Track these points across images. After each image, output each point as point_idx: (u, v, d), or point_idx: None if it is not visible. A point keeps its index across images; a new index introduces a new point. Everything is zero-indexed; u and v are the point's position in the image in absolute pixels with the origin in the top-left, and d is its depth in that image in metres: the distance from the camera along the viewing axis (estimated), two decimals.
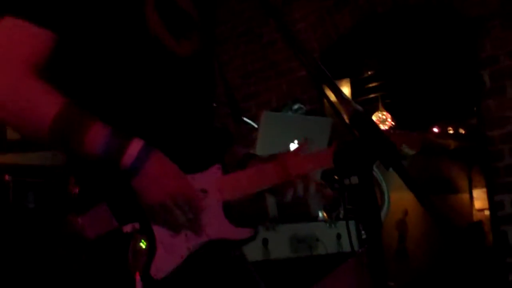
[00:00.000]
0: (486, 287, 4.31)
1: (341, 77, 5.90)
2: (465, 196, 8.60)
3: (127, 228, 1.37)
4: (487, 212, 5.95)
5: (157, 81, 1.48)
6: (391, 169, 1.34)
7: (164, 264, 1.39)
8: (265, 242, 2.79)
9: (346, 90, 5.82)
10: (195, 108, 1.57)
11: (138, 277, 1.35)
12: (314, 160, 1.60)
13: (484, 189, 5.35)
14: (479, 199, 8.43)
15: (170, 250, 1.41)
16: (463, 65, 5.03)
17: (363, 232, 2.89)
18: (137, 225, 1.38)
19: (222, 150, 1.64)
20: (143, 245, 1.38)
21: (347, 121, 1.36)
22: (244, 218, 1.58)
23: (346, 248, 3.03)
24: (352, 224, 3.01)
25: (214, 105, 1.73)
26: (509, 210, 4.16)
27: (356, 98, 6.27)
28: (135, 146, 1.35)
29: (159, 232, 1.41)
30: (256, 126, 3.25)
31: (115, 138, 1.34)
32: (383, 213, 3.31)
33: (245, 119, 3.46)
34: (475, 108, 4.47)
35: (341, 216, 3.27)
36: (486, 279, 4.18)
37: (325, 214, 3.25)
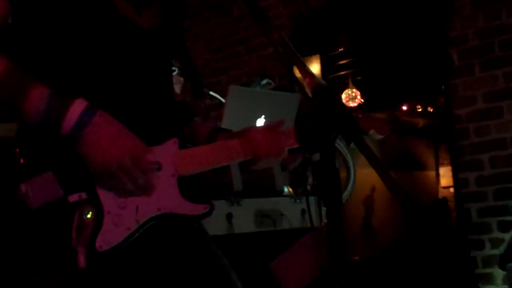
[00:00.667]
0: (448, 263, 4.39)
1: (312, 53, 5.89)
2: (432, 173, 8.72)
3: (73, 198, 1.33)
4: (452, 190, 6.03)
5: (114, 50, 1.44)
6: (352, 144, 1.34)
7: (110, 236, 1.35)
8: (229, 216, 2.79)
9: (316, 66, 5.81)
10: (153, 80, 1.53)
11: (81, 250, 1.31)
12: (280, 140, 1.60)
13: (450, 167, 5.42)
14: (445, 176, 8.56)
15: (117, 222, 1.37)
16: (432, 44, 5.06)
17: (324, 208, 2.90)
18: (83, 195, 1.34)
19: (180, 124, 1.61)
20: (89, 215, 1.34)
21: (309, 95, 1.35)
22: (207, 192, 1.56)
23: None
24: (314, 200, 3.01)
25: (182, 79, 1.71)
26: (472, 188, 4.22)
27: (326, 75, 6.27)
28: (77, 108, 1.30)
29: (107, 202, 1.37)
30: (223, 100, 3.23)
31: (56, 99, 1.30)
32: (348, 189, 3.33)
33: (212, 93, 3.43)
34: (443, 87, 4.50)
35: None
36: (448, 254, 4.25)
37: (290, 189, 3.26)
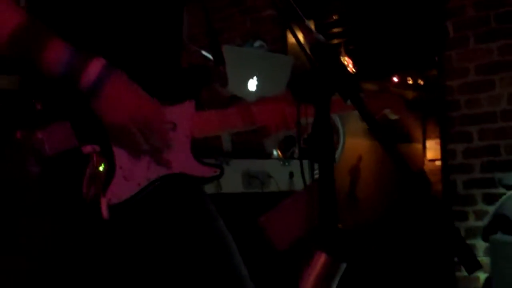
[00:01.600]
0: (432, 232, 4.43)
1: (306, 18, 5.83)
2: (418, 146, 8.74)
3: (87, 149, 1.34)
4: (438, 163, 6.07)
5: (126, 6, 1.44)
6: (349, 101, 1.32)
7: (120, 190, 1.36)
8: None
9: None
10: (170, 39, 1.54)
11: (103, 201, 1.33)
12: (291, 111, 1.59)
13: (437, 140, 5.43)
14: (431, 149, 8.59)
15: (128, 177, 1.38)
16: (428, 15, 5.02)
17: (316, 171, 2.90)
18: (97, 147, 1.35)
19: (198, 86, 1.60)
20: (101, 168, 1.35)
21: (308, 51, 1.34)
22: (197, 150, 1.56)
23: (298, 186, 3.05)
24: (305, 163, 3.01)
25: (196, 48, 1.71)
26: (460, 160, 4.24)
27: None
28: (96, 65, 1.30)
29: (120, 157, 1.38)
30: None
31: (76, 55, 1.30)
32: (337, 153, 3.33)
33: (204, 53, 3.38)
34: (436, 58, 4.48)
35: (295, 155, 3.28)
36: (433, 225, 4.28)
37: (279, 152, 3.26)
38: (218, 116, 1.55)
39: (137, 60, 1.45)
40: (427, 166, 8.53)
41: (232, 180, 2.86)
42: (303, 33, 1.37)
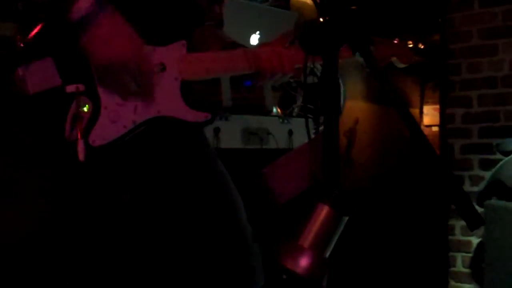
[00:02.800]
0: (427, 196, 4.45)
1: None
2: (416, 111, 8.74)
3: (71, 88, 1.30)
4: (435, 129, 6.07)
5: None
6: (358, 54, 1.30)
7: (105, 131, 1.34)
8: (216, 131, 2.77)
9: None
10: None
11: (80, 143, 1.29)
12: (289, 55, 1.55)
13: (435, 106, 5.42)
14: (429, 115, 8.59)
15: (114, 119, 1.35)
16: None
17: (315, 128, 2.90)
18: (81, 87, 1.31)
19: (190, 27, 1.56)
20: (85, 108, 1.31)
21: (318, 0, 1.31)
22: (197, 103, 1.53)
23: (297, 144, 3.05)
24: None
25: None
26: (458, 124, 4.23)
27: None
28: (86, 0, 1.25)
29: (105, 97, 1.34)
30: None
31: None
32: None
33: None
34: (439, 20, 4.43)
35: (294, 113, 3.27)
36: (428, 188, 4.30)
37: (279, 110, 3.24)
38: (210, 58, 1.51)
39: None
40: (424, 131, 8.54)
41: (231, 135, 2.85)
42: None
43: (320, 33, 1.28)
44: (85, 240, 1.44)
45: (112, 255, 1.50)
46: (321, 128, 1.34)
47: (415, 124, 1.20)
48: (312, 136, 1.44)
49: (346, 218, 1.25)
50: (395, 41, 1.63)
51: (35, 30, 1.29)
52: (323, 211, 1.23)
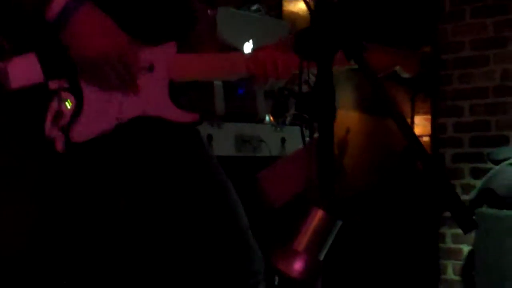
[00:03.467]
0: (418, 204, 4.46)
1: None
2: (407, 121, 8.78)
3: (54, 85, 1.29)
4: (425, 139, 6.09)
5: None
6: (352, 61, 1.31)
7: (87, 128, 1.32)
8: (209, 138, 2.77)
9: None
10: None
11: (59, 135, 1.29)
12: (287, 60, 1.53)
13: (426, 116, 5.44)
14: (420, 125, 8.63)
15: (97, 115, 1.34)
16: None
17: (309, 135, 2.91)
18: (64, 83, 1.30)
19: (182, 29, 1.56)
20: (68, 105, 1.30)
21: (312, 7, 1.32)
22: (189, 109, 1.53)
23: (290, 152, 3.05)
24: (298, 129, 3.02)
25: None
26: (450, 133, 4.25)
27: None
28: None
29: (89, 94, 1.33)
30: None
31: None
32: None
33: None
34: (431, 33, 4.46)
35: (287, 122, 3.28)
36: (419, 196, 4.32)
37: (271, 118, 3.25)
38: (202, 60, 1.50)
39: None
40: None
41: (224, 143, 2.85)
42: None
43: (315, 39, 1.29)
44: (76, 241, 1.44)
45: (106, 259, 1.50)
46: (315, 134, 1.35)
47: (411, 131, 1.22)
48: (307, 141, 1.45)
49: (340, 222, 1.26)
50: (401, 50, 1.60)
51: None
52: (318, 215, 1.24)
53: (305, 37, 1.34)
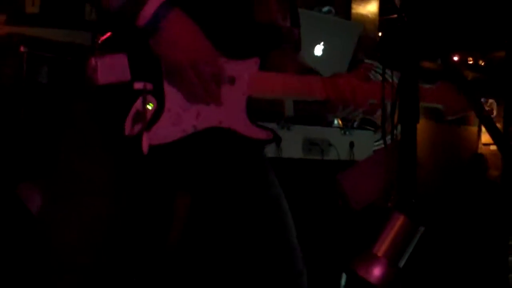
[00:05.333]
0: (487, 215, 4.35)
1: None
2: (473, 128, 8.59)
3: (139, 85, 1.32)
4: (493, 147, 5.94)
5: None
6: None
7: (164, 132, 1.34)
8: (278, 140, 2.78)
9: (374, 5, 5.65)
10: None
11: (145, 136, 1.32)
12: (366, 90, 1.51)
13: (497, 124, 5.32)
14: (487, 133, 8.42)
15: (175, 121, 1.36)
16: None
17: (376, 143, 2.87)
18: (149, 86, 1.33)
19: (266, 46, 1.55)
20: (149, 107, 1.33)
21: (397, 5, 1.30)
22: (259, 112, 1.53)
23: (358, 156, 3.02)
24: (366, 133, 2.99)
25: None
26: None
27: (382, 15, 6.12)
28: (153, 3, 1.29)
29: (171, 99, 1.35)
30: None
31: None
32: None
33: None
34: (506, 41, 4.35)
35: (355, 125, 3.25)
36: (488, 207, 4.21)
37: (340, 122, 3.22)
38: (283, 79, 1.50)
39: (207, 10, 1.42)
40: (481, 150, 8.38)
41: (293, 145, 2.84)
42: None
43: (400, 42, 1.27)
44: (149, 242, 1.47)
45: (173, 260, 1.53)
46: (388, 137, 1.32)
47: (500, 134, 1.18)
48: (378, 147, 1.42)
49: (422, 229, 1.22)
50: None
51: (104, 37, 1.33)
52: (399, 220, 1.21)
53: (391, 43, 1.32)
